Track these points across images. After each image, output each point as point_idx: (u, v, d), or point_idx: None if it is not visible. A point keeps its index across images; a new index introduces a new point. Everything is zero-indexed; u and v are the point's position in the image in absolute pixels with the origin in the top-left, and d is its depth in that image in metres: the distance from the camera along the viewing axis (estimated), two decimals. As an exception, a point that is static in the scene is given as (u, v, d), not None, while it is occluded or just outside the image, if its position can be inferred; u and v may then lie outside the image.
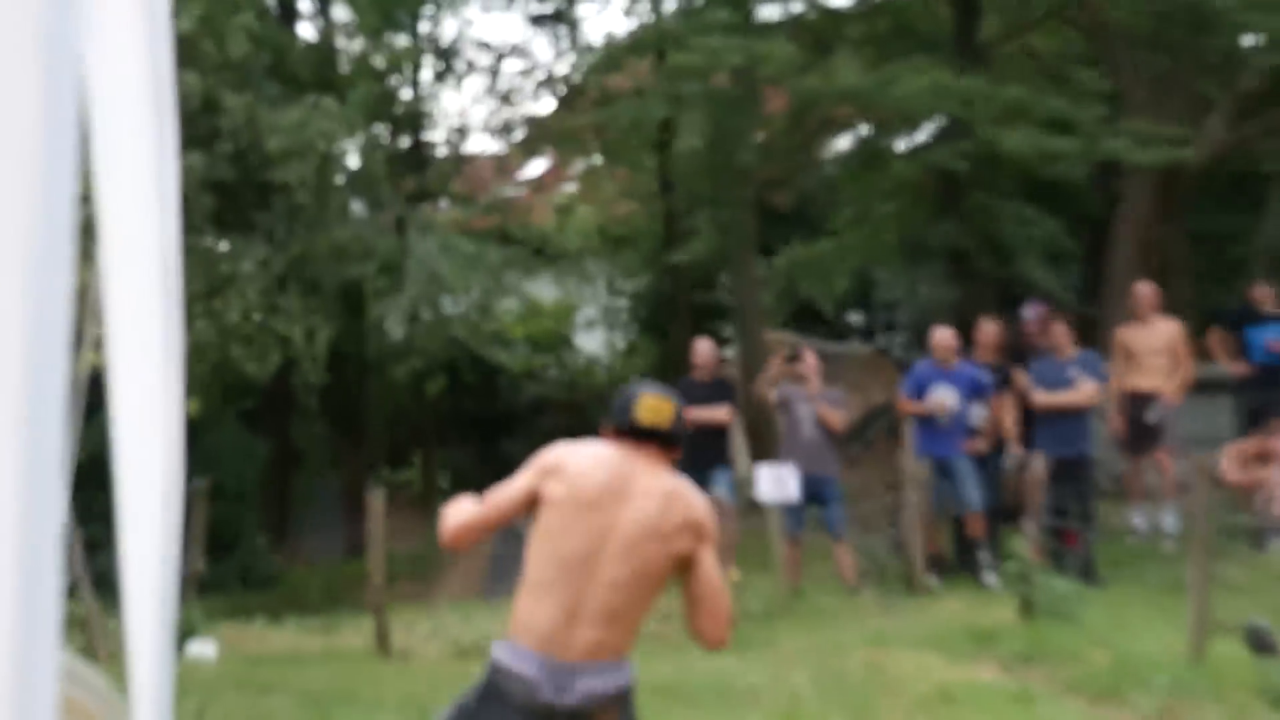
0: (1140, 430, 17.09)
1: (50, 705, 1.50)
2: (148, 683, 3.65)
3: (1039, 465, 14.64)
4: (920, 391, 16.73)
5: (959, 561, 17.09)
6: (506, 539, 22.57)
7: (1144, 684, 10.23)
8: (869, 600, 16.03)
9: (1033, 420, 16.57)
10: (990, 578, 15.98)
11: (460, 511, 6.32)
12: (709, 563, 5.79)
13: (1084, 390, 16.11)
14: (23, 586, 1.50)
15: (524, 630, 5.62)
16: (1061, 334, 16.49)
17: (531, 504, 5.98)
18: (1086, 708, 10.14)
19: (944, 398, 16.51)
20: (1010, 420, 16.83)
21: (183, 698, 11.66)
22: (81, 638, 12.82)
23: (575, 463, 5.92)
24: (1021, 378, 16.83)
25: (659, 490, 5.76)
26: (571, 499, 5.75)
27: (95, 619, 13.56)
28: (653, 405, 5.99)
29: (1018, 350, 18.26)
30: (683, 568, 5.81)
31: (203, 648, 14.46)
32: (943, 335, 16.74)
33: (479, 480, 33.96)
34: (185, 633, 14.46)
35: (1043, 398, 16.20)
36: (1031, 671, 11.40)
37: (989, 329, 17.45)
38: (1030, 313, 18.11)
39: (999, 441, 16.82)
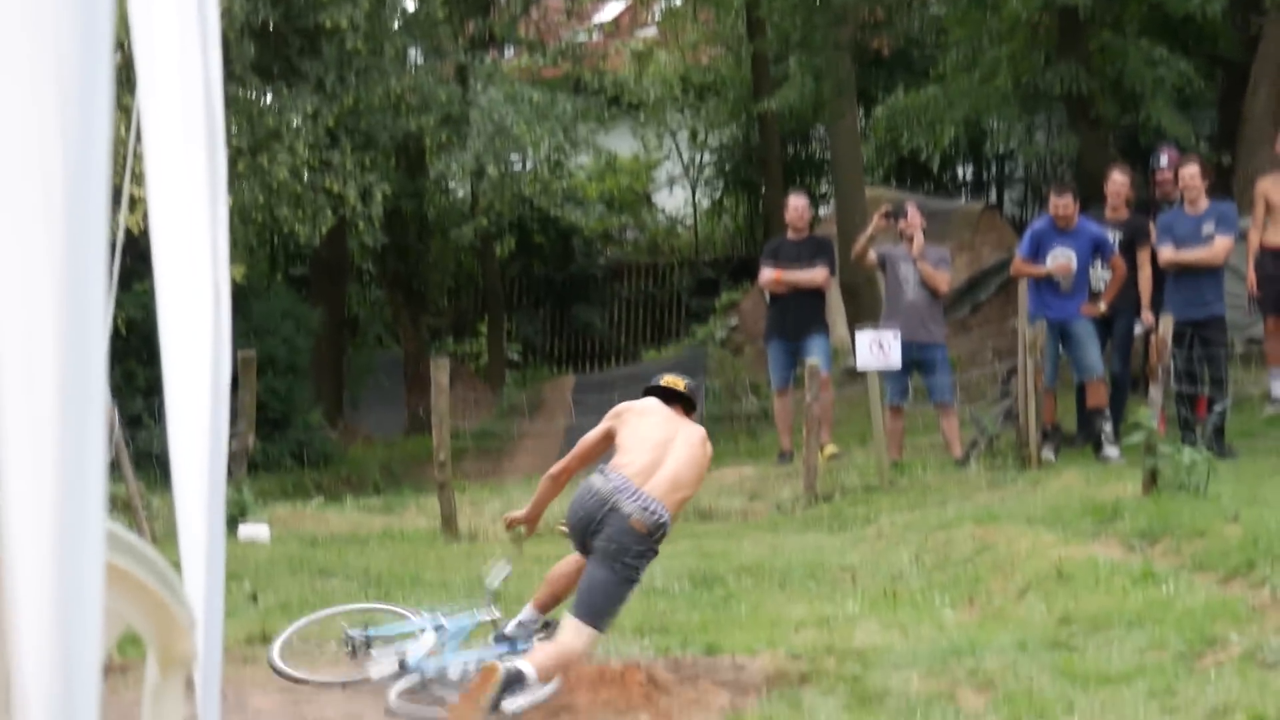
0: (1277, 288, 16.92)
1: (98, 574, 1.56)
2: (198, 566, 3.73)
3: (1166, 328, 14.56)
4: (1037, 252, 16.60)
5: (1078, 433, 17.06)
6: (584, 414, 22.71)
7: (1278, 561, 10.24)
8: (977, 474, 16.06)
9: (1161, 280, 16.40)
10: (1112, 451, 15.95)
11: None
12: None
13: (1216, 246, 15.92)
14: (67, 459, 1.55)
15: (614, 468, 8.82)
16: (1194, 183, 16.19)
17: (609, 441, 9.25)
18: (1215, 587, 10.16)
19: (1065, 260, 16.38)
20: (1145, 281, 16.65)
21: (235, 581, 11.86)
22: (124, 519, 13.02)
23: (639, 403, 9.37)
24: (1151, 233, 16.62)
25: (695, 430, 9.24)
26: (644, 414, 9.20)
27: (137, 499, 13.76)
28: (669, 379, 9.60)
29: (1148, 203, 18.06)
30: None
31: (255, 529, 14.67)
32: (1063, 199, 16.52)
33: (551, 351, 34.14)
34: (236, 514, 14.66)
35: (1171, 254, 16.00)
36: (1155, 549, 11.42)
37: (1119, 180, 17.15)
38: (1164, 160, 17.78)
39: (1134, 304, 16.66)
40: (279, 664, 9.15)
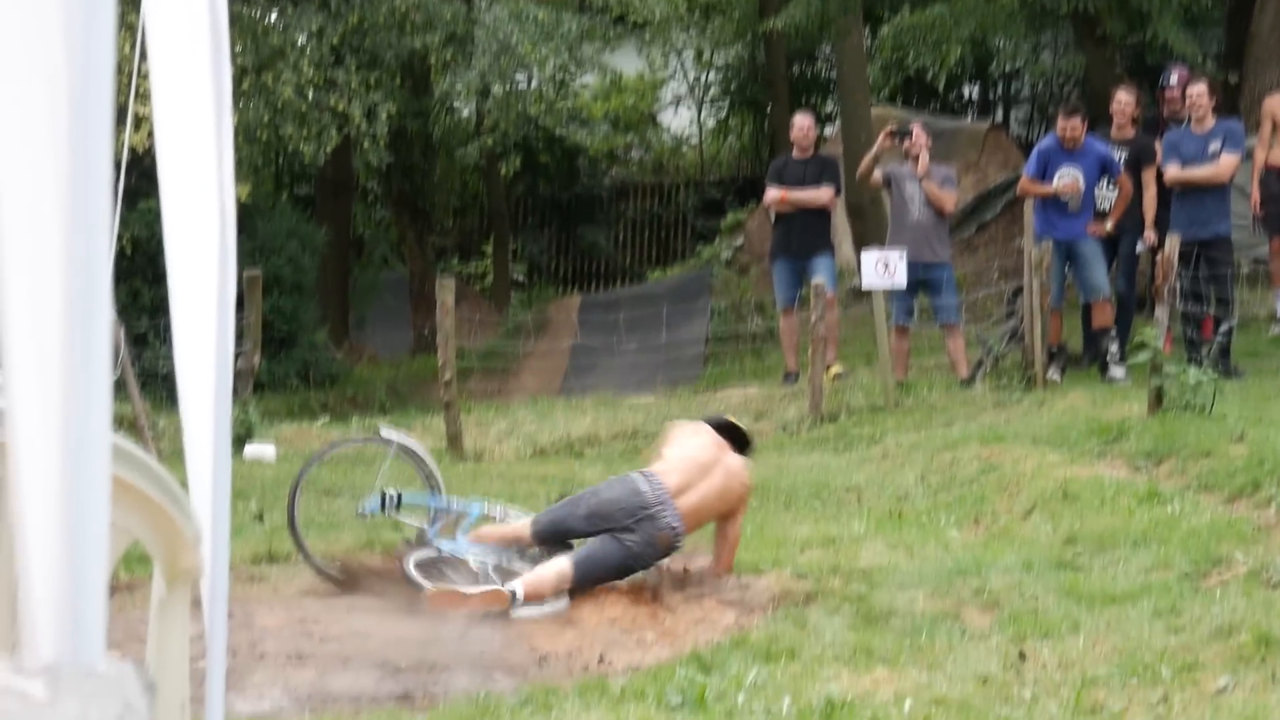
0: (1284, 208, 16.88)
1: (103, 487, 1.55)
2: (204, 485, 3.72)
3: (1173, 248, 14.53)
4: (1044, 171, 16.54)
5: (1084, 354, 17.05)
6: (589, 334, 22.72)
7: (1284, 481, 10.24)
8: (983, 395, 16.07)
9: (1167, 199, 16.35)
10: (1118, 371, 15.95)
11: None
12: (739, 521, 9.52)
13: (1222, 164, 15.86)
14: (72, 373, 1.54)
15: (658, 474, 9.25)
16: (1201, 101, 16.13)
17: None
18: (1221, 506, 10.17)
19: (1071, 179, 16.33)
20: (1149, 200, 16.60)
21: (241, 500, 11.89)
22: (130, 438, 13.04)
23: (692, 423, 9.97)
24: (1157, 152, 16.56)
25: (737, 461, 9.51)
26: (695, 434, 9.67)
27: (143, 418, 13.78)
28: (731, 419, 10.06)
29: (1155, 122, 17.98)
30: (727, 515, 9.42)
31: (261, 449, 14.68)
32: (1071, 122, 16.43)
33: (557, 272, 34.08)
34: (242, 433, 14.68)
35: (1177, 172, 15.96)
36: (1161, 469, 11.43)
37: (1124, 99, 17.09)
38: (1173, 78, 17.67)
39: (1139, 223, 16.62)
40: (295, 513, 9.91)
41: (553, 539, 9.30)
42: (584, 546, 9.11)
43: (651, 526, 9.00)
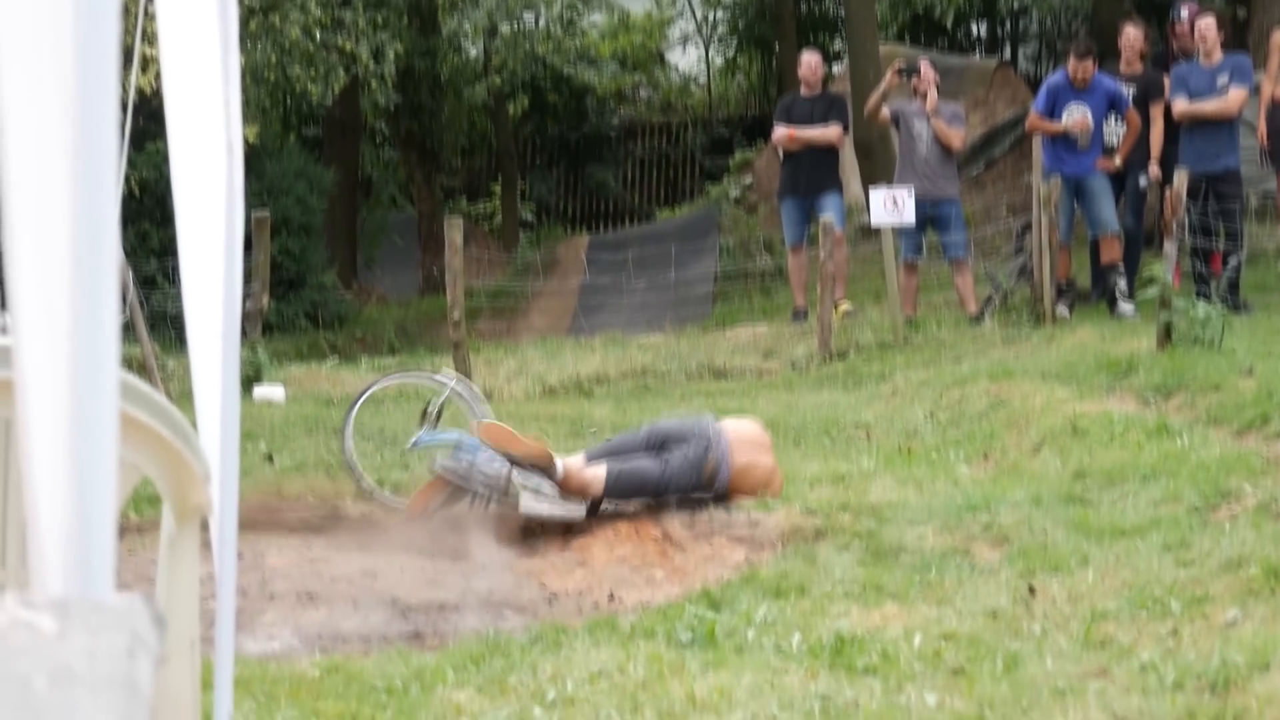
0: (1292, 143, 16.83)
1: (112, 423, 1.55)
2: (214, 426, 3.73)
3: (1181, 182, 14.49)
4: (1053, 108, 16.51)
5: (1093, 289, 17.04)
6: (598, 273, 22.70)
7: (1293, 415, 10.24)
8: (992, 331, 16.06)
9: (1175, 134, 16.32)
10: (1126, 307, 15.94)
11: None
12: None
13: (1230, 98, 15.82)
14: (80, 310, 1.54)
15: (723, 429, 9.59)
16: (1210, 35, 16.08)
17: None
18: (1230, 440, 10.16)
19: (1080, 115, 16.31)
20: (1156, 135, 16.58)
21: (251, 441, 11.90)
22: (139, 379, 13.05)
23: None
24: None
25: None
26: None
27: (152, 360, 13.78)
28: None
29: (1164, 57, 17.93)
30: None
31: (271, 390, 14.69)
32: (1083, 63, 16.39)
33: (565, 211, 34.07)
34: (251, 375, 14.69)
35: (1185, 106, 15.92)
36: (1170, 403, 11.42)
37: (1133, 34, 17.05)
38: (1183, 13, 17.59)
39: (1146, 158, 16.60)
40: (353, 457, 10.18)
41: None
42: (626, 459, 9.30)
43: (701, 451, 9.29)
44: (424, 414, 10.13)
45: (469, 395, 10.50)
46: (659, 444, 9.42)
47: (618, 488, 9.20)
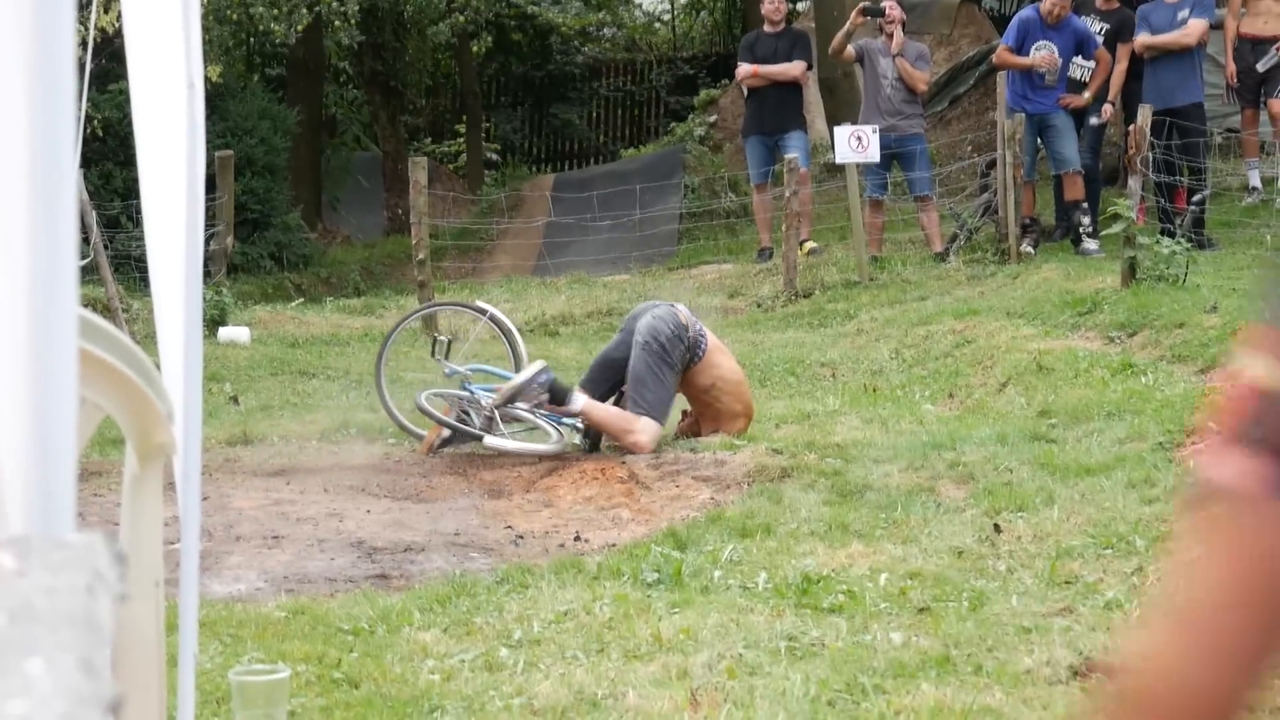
0: (1255, 78, 16.84)
1: (70, 359, 1.54)
2: (177, 367, 3.72)
3: (1145, 118, 14.49)
4: (1022, 43, 16.52)
5: (1056, 227, 17.08)
6: (563, 212, 22.65)
7: (1257, 352, 10.25)
8: (957, 269, 16.09)
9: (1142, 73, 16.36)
10: (1090, 244, 15.97)
11: None
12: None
13: (1188, 28, 15.87)
14: (39, 257, 1.53)
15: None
16: (1170, -31, 16.11)
17: None
18: (1194, 377, 10.21)
19: (1047, 52, 16.31)
20: (1118, 74, 16.61)
21: (216, 383, 11.89)
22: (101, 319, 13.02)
23: None
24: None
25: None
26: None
27: (117, 301, 13.75)
28: None
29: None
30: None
31: (236, 332, 14.67)
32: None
33: (530, 151, 33.92)
34: (216, 316, 14.66)
35: (1145, 39, 15.99)
36: (1134, 340, 11.47)
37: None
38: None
39: (1104, 97, 16.65)
40: (422, 403, 10.02)
41: (600, 378, 9.75)
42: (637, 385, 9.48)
43: (668, 308, 9.61)
44: (433, 345, 10.20)
45: (509, 327, 10.59)
46: (630, 321, 9.73)
47: (660, 408, 9.49)
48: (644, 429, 9.37)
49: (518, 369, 10.08)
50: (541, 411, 9.69)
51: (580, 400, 9.38)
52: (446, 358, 10.14)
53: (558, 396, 9.48)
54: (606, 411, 9.52)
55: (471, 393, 9.82)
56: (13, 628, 0.99)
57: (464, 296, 17.28)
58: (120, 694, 0.99)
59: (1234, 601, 1.54)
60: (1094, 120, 16.70)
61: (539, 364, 9.64)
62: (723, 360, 9.80)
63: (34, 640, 0.97)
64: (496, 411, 9.67)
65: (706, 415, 9.84)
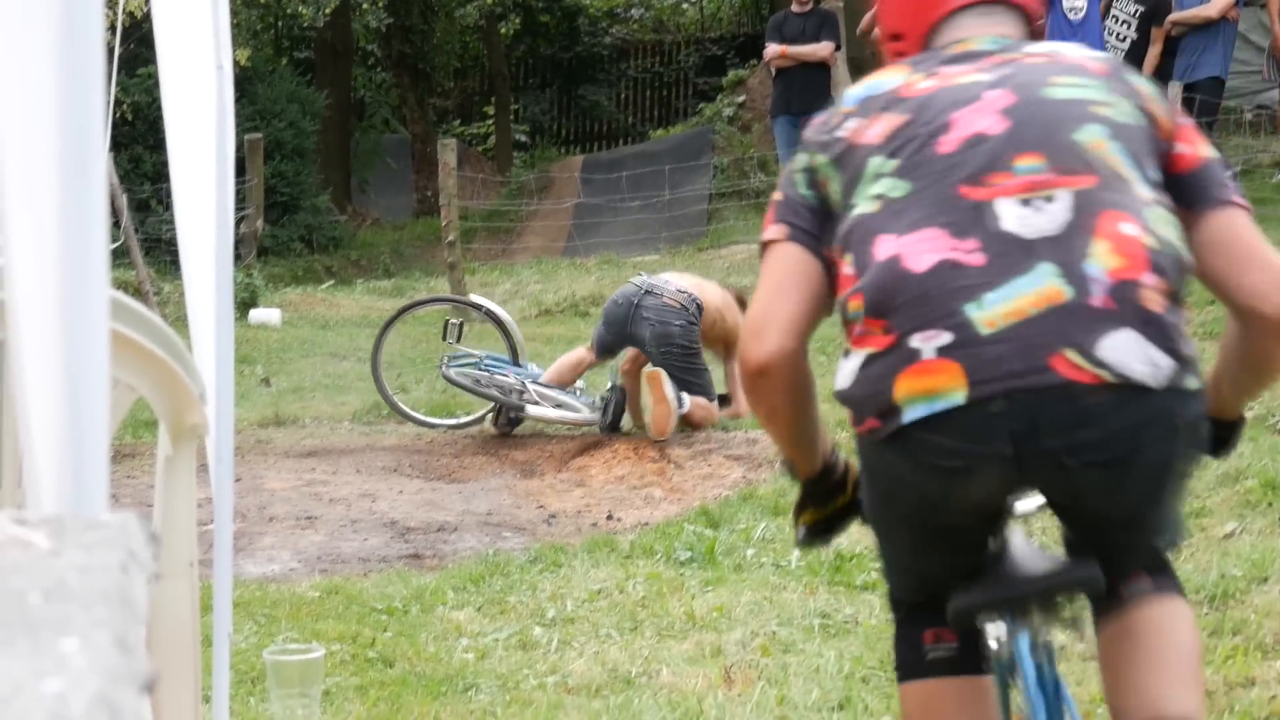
0: (1290, 53, 16.76)
1: (103, 339, 1.54)
2: (209, 349, 3.72)
3: (1175, 95, 14.40)
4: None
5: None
6: (592, 193, 22.65)
7: None
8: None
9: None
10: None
11: None
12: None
13: (1211, 2, 15.78)
14: (70, 240, 1.53)
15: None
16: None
17: None
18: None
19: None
20: (1151, 57, 16.51)
21: (248, 365, 11.91)
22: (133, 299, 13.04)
23: None
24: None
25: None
26: None
27: (148, 284, 13.78)
28: None
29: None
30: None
31: (267, 314, 14.69)
32: None
33: (559, 132, 33.89)
34: (247, 298, 14.69)
35: (1174, 16, 15.90)
36: (1165, 318, 11.43)
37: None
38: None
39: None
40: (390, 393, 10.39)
41: (613, 346, 9.82)
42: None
43: (672, 314, 9.54)
44: (445, 329, 10.22)
45: (505, 320, 10.59)
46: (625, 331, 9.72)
47: (712, 389, 9.74)
48: (716, 409, 9.64)
49: (516, 361, 10.11)
50: (570, 389, 9.73)
51: (687, 401, 9.42)
52: (459, 341, 10.16)
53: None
54: (703, 408, 9.62)
55: (490, 371, 9.84)
56: (47, 606, 0.98)
57: (492, 277, 17.30)
58: (155, 672, 0.99)
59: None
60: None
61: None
62: (704, 291, 9.85)
63: (68, 619, 0.96)
64: (530, 386, 9.69)
65: (720, 347, 9.96)
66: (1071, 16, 16.06)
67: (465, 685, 5.37)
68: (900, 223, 3.10)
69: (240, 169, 15.76)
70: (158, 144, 15.89)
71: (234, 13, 13.43)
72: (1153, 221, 3.10)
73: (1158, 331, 3.01)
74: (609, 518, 8.07)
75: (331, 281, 18.64)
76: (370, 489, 8.69)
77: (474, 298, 11.12)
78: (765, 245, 3.44)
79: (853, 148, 3.34)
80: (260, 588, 6.76)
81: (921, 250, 3.05)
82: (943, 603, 3.14)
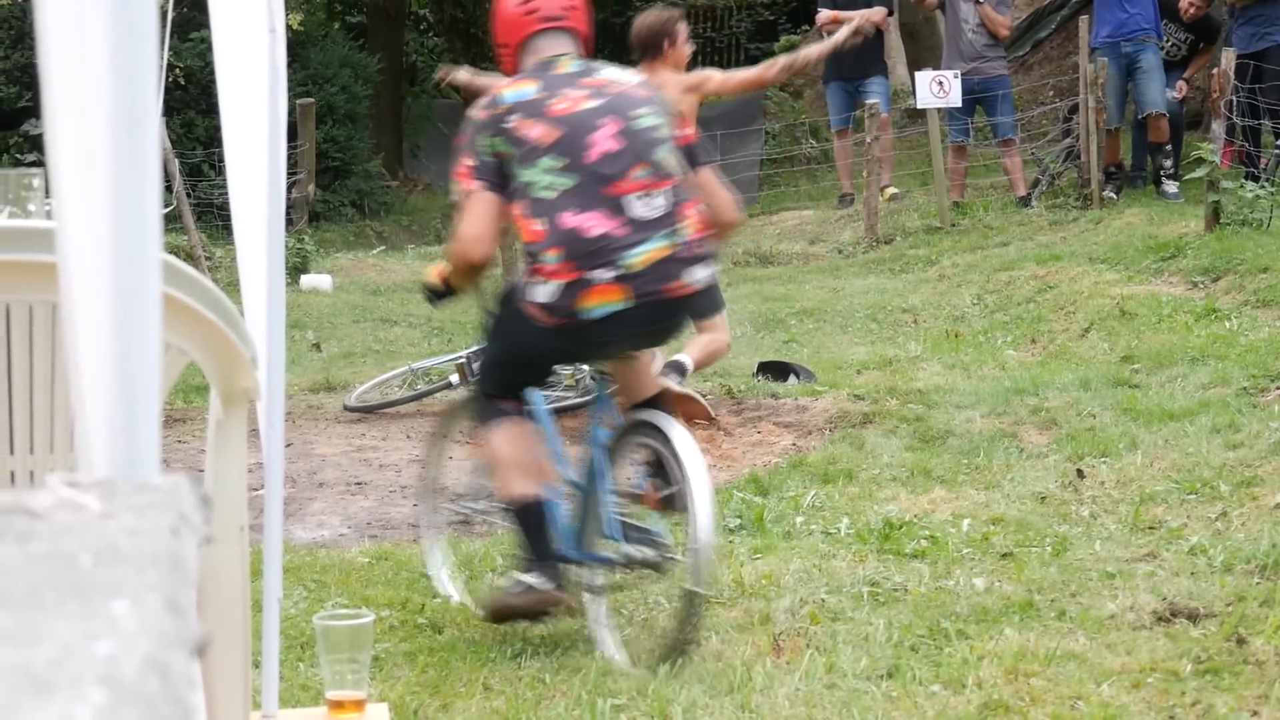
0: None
1: (154, 302, 1.55)
2: (260, 314, 3.74)
3: (1229, 62, 14.30)
4: None
5: (1135, 170, 16.92)
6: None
7: (1344, 297, 10.19)
8: (1039, 214, 15.97)
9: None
10: (1170, 186, 15.80)
11: None
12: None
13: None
14: (122, 204, 1.53)
15: None
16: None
17: None
18: (1278, 321, 10.12)
19: None
20: (1200, 62, 16.44)
21: (299, 330, 11.95)
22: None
23: None
24: None
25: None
26: None
27: (200, 249, 13.82)
28: None
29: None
30: None
31: (318, 279, 14.72)
32: None
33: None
34: (298, 263, 14.72)
35: (1233, -17, 15.80)
36: (1218, 285, 11.37)
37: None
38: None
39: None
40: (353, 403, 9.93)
41: None
42: None
43: None
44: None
45: None
46: None
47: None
48: (726, 333, 9.23)
49: None
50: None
51: (687, 360, 9.25)
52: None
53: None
54: (704, 350, 9.32)
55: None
56: (98, 569, 0.99)
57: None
58: (206, 635, 0.99)
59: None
60: (1170, 94, 16.46)
61: None
62: None
63: (119, 581, 0.97)
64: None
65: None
66: None
67: (514, 652, 5.39)
68: (574, 206, 5.42)
69: (292, 134, 15.78)
70: (210, 109, 15.93)
71: (286, -22, 13.53)
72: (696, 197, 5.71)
73: (709, 261, 5.66)
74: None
75: (383, 247, 18.66)
76: (420, 455, 8.72)
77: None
78: (468, 194, 5.62)
79: (520, 137, 5.51)
80: (310, 553, 6.79)
81: (591, 225, 5.40)
82: (515, 390, 5.84)
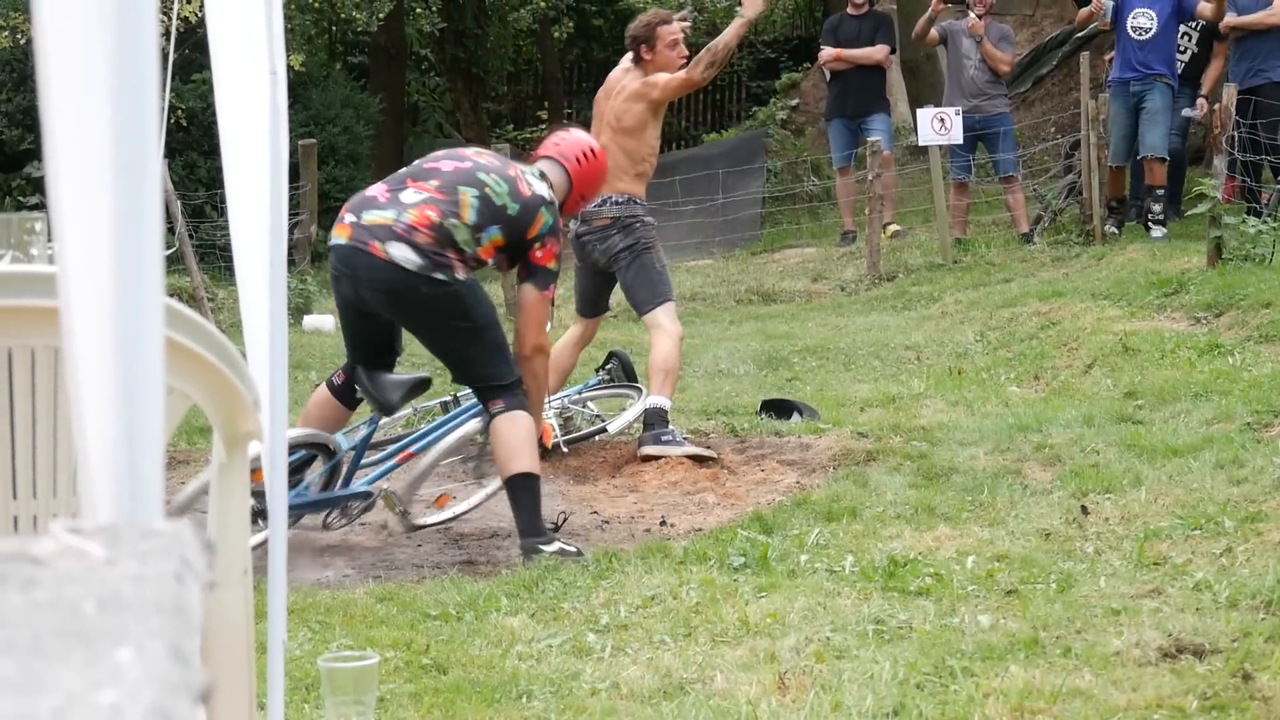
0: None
1: (157, 347, 1.55)
2: (263, 355, 3.74)
3: (1230, 97, 14.32)
4: (1118, 10, 16.23)
5: (1130, 206, 16.92)
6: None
7: (1347, 332, 10.18)
8: (1041, 251, 15.98)
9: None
10: (1157, 232, 15.68)
11: None
12: None
13: (1275, 5, 15.65)
14: (124, 246, 1.54)
15: None
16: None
17: None
18: (1282, 358, 10.12)
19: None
20: (1215, 70, 16.41)
21: (301, 371, 11.95)
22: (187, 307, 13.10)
23: None
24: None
25: None
26: None
27: (202, 290, 13.83)
28: None
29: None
30: None
31: (320, 320, 14.73)
32: None
33: (611, 135, 33.45)
34: (301, 304, 14.73)
35: (1232, 20, 15.77)
36: (1221, 321, 11.36)
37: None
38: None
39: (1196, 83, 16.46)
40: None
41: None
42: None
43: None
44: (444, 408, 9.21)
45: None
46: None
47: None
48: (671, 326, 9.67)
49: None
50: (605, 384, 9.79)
51: (661, 401, 9.27)
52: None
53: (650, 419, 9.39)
54: (659, 368, 9.36)
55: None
56: (102, 616, 0.99)
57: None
58: (210, 682, 0.99)
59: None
60: (1186, 111, 16.45)
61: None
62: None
63: (123, 629, 0.97)
64: (570, 406, 9.69)
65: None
66: (1137, 37, 15.97)
67: (519, 692, 5.37)
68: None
69: (294, 174, 15.82)
70: (212, 150, 15.96)
71: (288, 18, 13.60)
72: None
73: (415, 245, 7.23)
74: (662, 523, 8.07)
75: (385, 287, 18.66)
76: (424, 495, 8.71)
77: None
78: None
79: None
80: (314, 594, 6.78)
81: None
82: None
